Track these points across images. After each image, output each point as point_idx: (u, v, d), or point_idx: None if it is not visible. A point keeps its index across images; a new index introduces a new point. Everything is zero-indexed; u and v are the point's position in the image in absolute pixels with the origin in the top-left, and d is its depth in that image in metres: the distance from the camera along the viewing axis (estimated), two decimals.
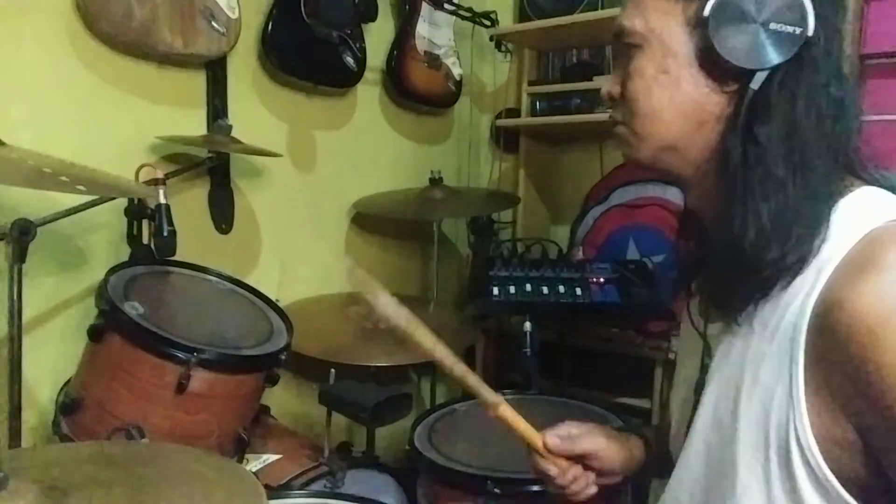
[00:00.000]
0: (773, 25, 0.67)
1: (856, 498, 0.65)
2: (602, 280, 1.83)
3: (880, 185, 0.72)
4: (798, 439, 0.65)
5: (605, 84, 0.81)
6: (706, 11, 0.69)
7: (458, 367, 0.84)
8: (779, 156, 0.69)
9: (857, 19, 1.66)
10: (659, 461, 0.96)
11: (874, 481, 0.65)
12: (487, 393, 0.87)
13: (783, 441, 0.67)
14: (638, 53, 0.75)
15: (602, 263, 1.90)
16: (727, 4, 0.69)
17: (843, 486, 0.65)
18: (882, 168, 0.74)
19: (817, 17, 0.67)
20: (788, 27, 0.67)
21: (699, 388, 0.82)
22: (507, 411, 0.88)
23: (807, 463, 0.65)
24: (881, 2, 1.68)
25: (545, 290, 1.80)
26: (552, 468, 0.90)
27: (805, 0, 0.67)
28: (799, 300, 0.67)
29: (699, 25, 0.71)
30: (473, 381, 0.85)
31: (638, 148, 0.79)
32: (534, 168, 2.37)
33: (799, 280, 0.68)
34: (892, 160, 0.75)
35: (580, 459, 0.91)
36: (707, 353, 0.82)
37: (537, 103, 2.22)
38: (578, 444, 0.91)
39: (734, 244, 0.71)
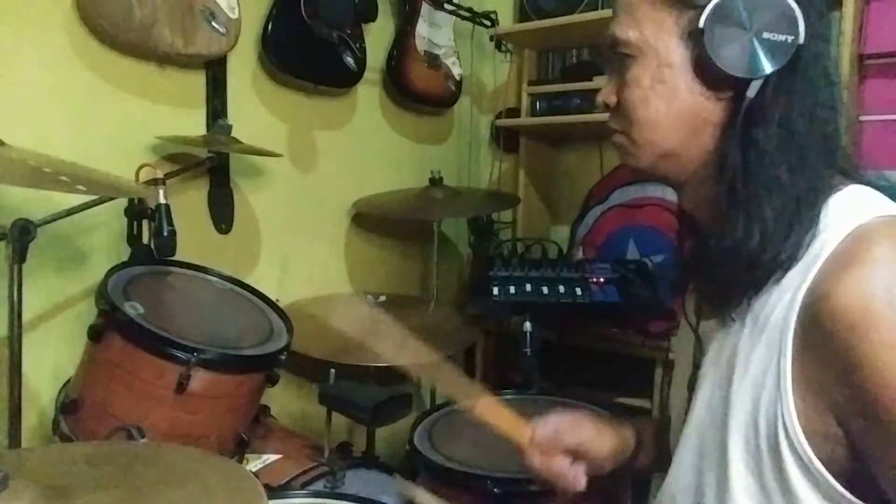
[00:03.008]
0: (766, 35, 0.69)
1: (846, 487, 0.66)
2: (602, 280, 1.83)
3: (867, 184, 0.74)
4: (786, 430, 0.67)
5: (601, 93, 0.82)
6: (701, 23, 0.70)
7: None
8: (778, 158, 0.71)
9: (857, 19, 1.66)
10: (658, 454, 0.96)
11: (863, 471, 0.66)
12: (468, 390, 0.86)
13: (772, 432, 0.68)
14: (633, 63, 0.76)
15: (602, 263, 1.90)
16: (721, 15, 0.70)
17: (833, 475, 0.66)
18: (870, 167, 0.76)
19: (807, 24, 0.69)
20: (781, 36, 0.69)
21: (692, 384, 0.83)
22: (488, 407, 0.87)
23: (795, 453, 0.67)
24: (881, 2, 1.68)
25: (545, 290, 1.80)
26: (535, 461, 0.90)
27: (796, 9, 0.69)
28: (789, 295, 0.68)
29: (694, 36, 0.72)
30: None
31: (637, 156, 0.80)
32: (534, 168, 2.36)
33: (790, 275, 0.69)
34: (893, 160, 0.76)
35: (569, 452, 0.91)
36: (699, 350, 0.83)
37: (537, 103, 2.22)
38: (566, 437, 0.91)
39: (736, 246, 0.72)
